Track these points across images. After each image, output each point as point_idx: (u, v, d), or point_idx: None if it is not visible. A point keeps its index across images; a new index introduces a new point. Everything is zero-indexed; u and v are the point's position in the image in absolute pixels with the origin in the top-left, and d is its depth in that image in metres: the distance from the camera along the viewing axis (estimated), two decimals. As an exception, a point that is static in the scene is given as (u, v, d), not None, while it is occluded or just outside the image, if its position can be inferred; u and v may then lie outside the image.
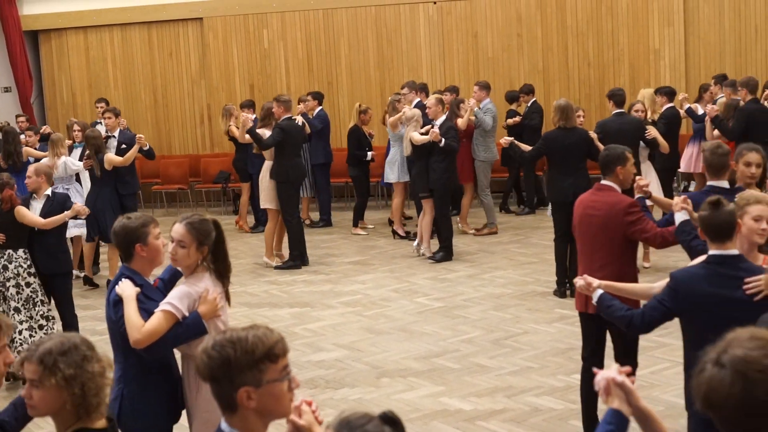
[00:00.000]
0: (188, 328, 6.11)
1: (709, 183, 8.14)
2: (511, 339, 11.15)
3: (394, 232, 17.28)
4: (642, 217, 8.01)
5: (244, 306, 13.05)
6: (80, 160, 15.04)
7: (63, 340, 4.36)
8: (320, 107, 19.03)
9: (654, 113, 15.36)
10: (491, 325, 11.71)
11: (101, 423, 4.37)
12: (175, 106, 22.66)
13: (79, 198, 14.52)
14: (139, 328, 5.98)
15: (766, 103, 15.70)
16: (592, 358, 8.21)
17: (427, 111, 15.33)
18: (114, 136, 15.96)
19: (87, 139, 14.73)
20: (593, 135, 13.16)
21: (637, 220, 7.99)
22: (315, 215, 19.33)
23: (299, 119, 15.69)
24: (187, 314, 6.11)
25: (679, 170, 17.00)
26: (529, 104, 18.86)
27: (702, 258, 6.23)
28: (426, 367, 10.28)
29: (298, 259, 15.41)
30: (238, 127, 17.28)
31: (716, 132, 14.51)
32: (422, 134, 15.08)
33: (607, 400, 3.87)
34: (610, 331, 8.17)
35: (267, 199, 15.42)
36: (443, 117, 15.21)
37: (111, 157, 14.59)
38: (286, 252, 15.72)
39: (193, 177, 22.05)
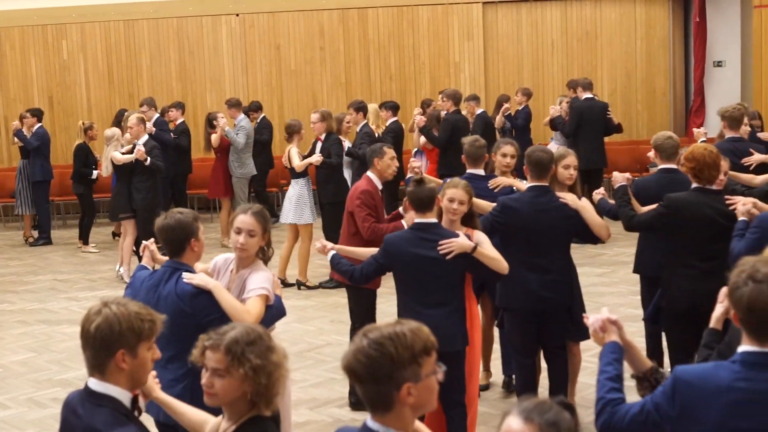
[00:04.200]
0: (277, 310, 6.36)
1: (468, 171, 9.35)
2: (315, 351, 11.19)
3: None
4: (370, 206, 9.35)
5: (43, 324, 12.77)
6: None
7: (248, 330, 4.39)
8: (39, 124, 18.53)
9: (378, 127, 15.98)
10: (294, 338, 11.70)
11: (270, 412, 4.39)
12: (-30, 119, 22.00)
13: None
14: (250, 312, 6.04)
15: (498, 119, 17.61)
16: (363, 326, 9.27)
17: (129, 131, 15.21)
18: None
19: None
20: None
21: (361, 207, 9.33)
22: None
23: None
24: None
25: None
26: (258, 120, 18.79)
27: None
28: (229, 382, 10.19)
29: None
30: None
31: (423, 139, 16.30)
32: (125, 153, 15.00)
33: (603, 336, 4.54)
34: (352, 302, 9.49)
35: None
36: (146, 136, 15.17)
37: None
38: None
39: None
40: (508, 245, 8.12)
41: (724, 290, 5.00)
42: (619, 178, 8.66)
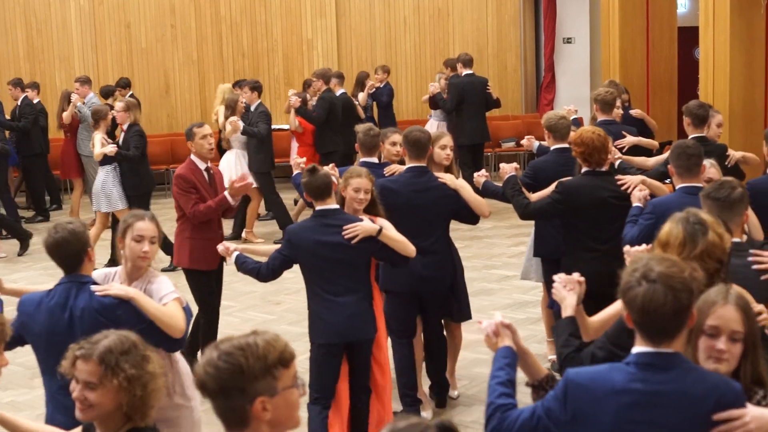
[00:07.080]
0: (188, 313, 6.13)
1: (361, 159, 9.18)
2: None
3: None
4: (186, 190, 9.34)
5: None
6: None
7: (122, 338, 4.13)
8: None
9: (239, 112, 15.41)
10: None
11: (145, 423, 4.13)
12: None
13: None
14: (176, 315, 5.89)
15: (362, 96, 17.75)
16: (207, 310, 9.61)
17: None
18: None
19: None
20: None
21: (180, 193, 9.36)
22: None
23: None
24: None
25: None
26: (126, 97, 18.38)
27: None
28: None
29: None
30: None
31: (295, 121, 16.03)
32: None
33: (497, 341, 4.42)
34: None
35: None
36: None
37: None
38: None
39: None
40: None
41: (576, 276, 5.00)
42: (508, 168, 8.64)
